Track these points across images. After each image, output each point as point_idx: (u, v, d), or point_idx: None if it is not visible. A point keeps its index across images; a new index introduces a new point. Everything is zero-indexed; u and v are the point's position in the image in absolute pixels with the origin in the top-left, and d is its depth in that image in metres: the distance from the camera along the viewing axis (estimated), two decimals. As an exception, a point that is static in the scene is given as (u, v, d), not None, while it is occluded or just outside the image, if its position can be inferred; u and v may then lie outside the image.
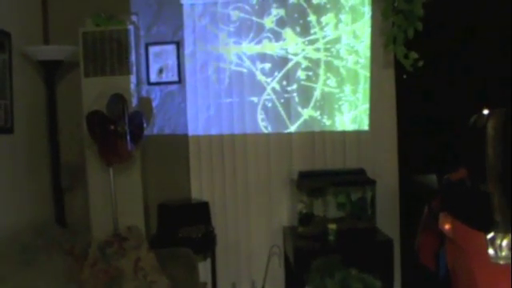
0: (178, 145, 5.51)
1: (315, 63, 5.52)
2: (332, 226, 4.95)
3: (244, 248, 5.50)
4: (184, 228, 5.10)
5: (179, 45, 5.50)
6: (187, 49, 5.50)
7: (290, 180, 5.43)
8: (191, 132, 5.51)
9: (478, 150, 3.74)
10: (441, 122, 5.33)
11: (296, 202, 5.26)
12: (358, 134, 5.53)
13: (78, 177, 5.29)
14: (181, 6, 5.49)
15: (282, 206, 5.52)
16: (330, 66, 5.53)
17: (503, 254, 3.36)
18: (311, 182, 5.23)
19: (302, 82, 5.52)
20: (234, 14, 5.49)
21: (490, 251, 3.37)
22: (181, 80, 5.51)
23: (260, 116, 5.52)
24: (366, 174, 5.28)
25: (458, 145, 4.08)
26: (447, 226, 3.69)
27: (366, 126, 5.53)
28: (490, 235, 3.38)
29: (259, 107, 5.51)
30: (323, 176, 5.29)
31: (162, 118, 5.51)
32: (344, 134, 5.53)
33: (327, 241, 4.93)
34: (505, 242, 3.36)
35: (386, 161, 5.51)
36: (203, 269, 5.30)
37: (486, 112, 3.84)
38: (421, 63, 5.03)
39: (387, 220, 5.39)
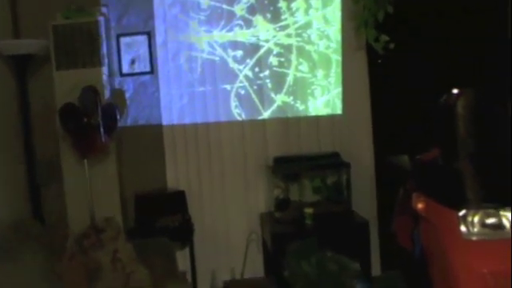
0: (153, 135, 5.48)
1: (287, 49, 5.53)
2: (308, 211, 5.00)
3: (222, 236, 5.52)
4: (161, 218, 5.12)
5: (150, 35, 5.46)
6: (158, 39, 5.47)
7: (265, 166, 5.44)
8: (165, 122, 5.49)
9: (449, 129, 3.78)
10: (414, 103, 5.36)
11: (272, 187, 5.30)
12: (331, 118, 5.56)
13: (54, 171, 5.25)
14: (151, -5, 5.47)
15: (259, 193, 5.53)
16: (301, 52, 5.54)
17: (475, 230, 3.41)
18: (286, 167, 5.28)
19: (275, 68, 5.53)
20: (205, 3, 5.48)
21: (462, 228, 3.41)
22: (153, 70, 5.48)
23: (233, 103, 5.52)
24: (341, 158, 5.31)
25: (430, 125, 4.11)
26: (420, 206, 3.72)
27: (339, 110, 5.56)
28: (461, 212, 3.43)
29: (232, 95, 5.52)
30: (298, 161, 5.33)
31: (136, 109, 5.49)
32: (318, 118, 5.56)
33: (304, 225, 4.98)
34: (476, 219, 3.41)
35: (361, 144, 5.54)
36: (182, 258, 5.26)
37: (455, 91, 3.88)
38: (392, 46, 5.06)
39: (364, 202, 5.44)
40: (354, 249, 4.47)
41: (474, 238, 3.41)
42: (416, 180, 4.09)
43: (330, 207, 5.25)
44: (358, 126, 5.54)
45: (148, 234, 4.92)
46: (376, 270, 5.49)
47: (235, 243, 5.52)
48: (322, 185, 5.37)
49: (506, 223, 3.42)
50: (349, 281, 3.25)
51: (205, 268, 5.44)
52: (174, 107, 5.50)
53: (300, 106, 5.56)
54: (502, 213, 3.41)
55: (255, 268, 5.50)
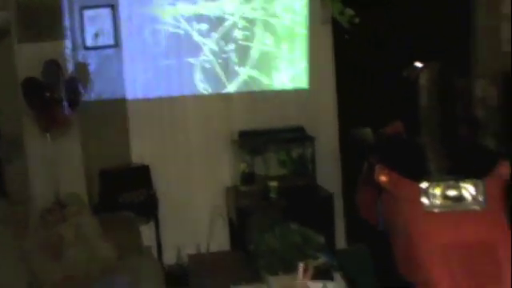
0: (117, 109, 5.43)
1: (252, 22, 5.51)
2: (273, 184, 5.02)
3: (187, 210, 5.51)
4: (126, 193, 5.10)
5: (114, 8, 5.39)
6: (122, 12, 5.40)
7: (230, 140, 5.44)
8: (130, 96, 5.45)
9: (412, 102, 3.80)
10: (378, 77, 5.38)
11: (238, 161, 5.31)
12: (296, 93, 5.57)
13: (17, 146, 5.18)
14: (114, -33, 5.39)
15: (224, 167, 5.53)
16: (266, 25, 5.52)
17: (437, 202, 3.44)
18: (251, 141, 5.30)
19: (240, 42, 5.51)
20: (169, -25, 5.43)
21: (424, 200, 3.45)
22: (117, 44, 5.41)
23: (198, 77, 5.49)
24: (306, 132, 5.34)
25: (394, 98, 4.13)
26: (383, 178, 3.74)
27: (304, 84, 5.57)
28: (423, 184, 3.46)
29: (197, 68, 5.48)
30: (263, 135, 5.36)
31: (100, 83, 5.40)
32: (283, 92, 5.57)
33: (269, 199, 5.00)
34: (438, 191, 3.44)
35: (326, 118, 5.58)
36: (147, 233, 5.26)
37: (418, 65, 3.89)
38: (357, 20, 5.07)
39: (328, 176, 5.49)
40: (318, 222, 4.50)
41: (436, 210, 3.44)
42: (379, 153, 4.11)
43: (295, 181, 5.28)
44: (323, 100, 5.58)
45: (112, 208, 4.89)
46: (341, 243, 5.57)
47: (201, 217, 5.52)
48: (287, 158, 5.40)
49: (467, 195, 3.46)
50: (313, 253, 3.28)
51: (170, 243, 5.43)
52: (139, 81, 5.45)
53: (265, 80, 5.55)
54: (462, 185, 3.45)
55: (221, 242, 5.52)
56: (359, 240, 5.23)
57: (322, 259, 3.55)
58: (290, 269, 3.10)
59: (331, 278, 3.46)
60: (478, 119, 4.58)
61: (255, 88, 5.55)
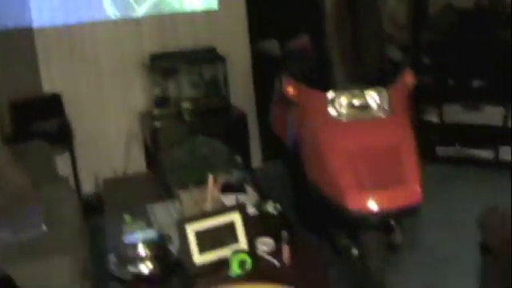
0: (24, 38, 5.26)
1: None
2: (187, 106, 5.03)
3: (102, 137, 5.48)
4: (37, 122, 5.01)
5: None
6: None
7: (142, 64, 5.39)
8: (36, 24, 5.28)
9: (318, 15, 3.82)
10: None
11: (150, 85, 5.27)
12: (206, 13, 5.54)
13: None
14: None
15: (138, 92, 5.49)
16: None
17: (343, 111, 3.51)
18: (163, 64, 5.25)
19: (146, -36, 5.41)
20: None
21: (331, 110, 3.51)
22: (18, -31, 5.23)
23: (107, 1, 5.37)
24: (217, 52, 5.33)
25: (300, 13, 4.14)
26: (291, 90, 3.79)
27: (214, 5, 5.54)
28: (329, 94, 3.51)
29: (105, -8, 5.37)
30: (175, 57, 5.32)
31: (3, 12, 5.20)
32: (193, 14, 5.52)
33: (183, 120, 5.01)
34: (343, 100, 3.51)
35: (237, 37, 5.60)
36: (63, 164, 5.18)
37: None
38: None
39: (242, 96, 5.54)
40: (233, 142, 4.53)
41: (343, 119, 3.51)
42: (286, 66, 4.15)
43: (209, 102, 5.30)
44: (233, 20, 5.57)
45: (25, 139, 4.80)
46: (258, 162, 5.65)
47: (116, 144, 5.50)
48: (200, 80, 5.40)
49: (372, 103, 3.54)
50: (223, 165, 3.31)
51: (87, 172, 5.40)
52: (45, 8, 5.27)
53: (175, 2, 5.48)
54: (367, 93, 3.52)
55: (137, 165, 5.52)
56: (275, 158, 5.31)
57: (235, 173, 3.59)
58: (201, 182, 3.12)
59: (244, 191, 3.52)
60: (384, 32, 4.62)
61: (165, 10, 5.47)
